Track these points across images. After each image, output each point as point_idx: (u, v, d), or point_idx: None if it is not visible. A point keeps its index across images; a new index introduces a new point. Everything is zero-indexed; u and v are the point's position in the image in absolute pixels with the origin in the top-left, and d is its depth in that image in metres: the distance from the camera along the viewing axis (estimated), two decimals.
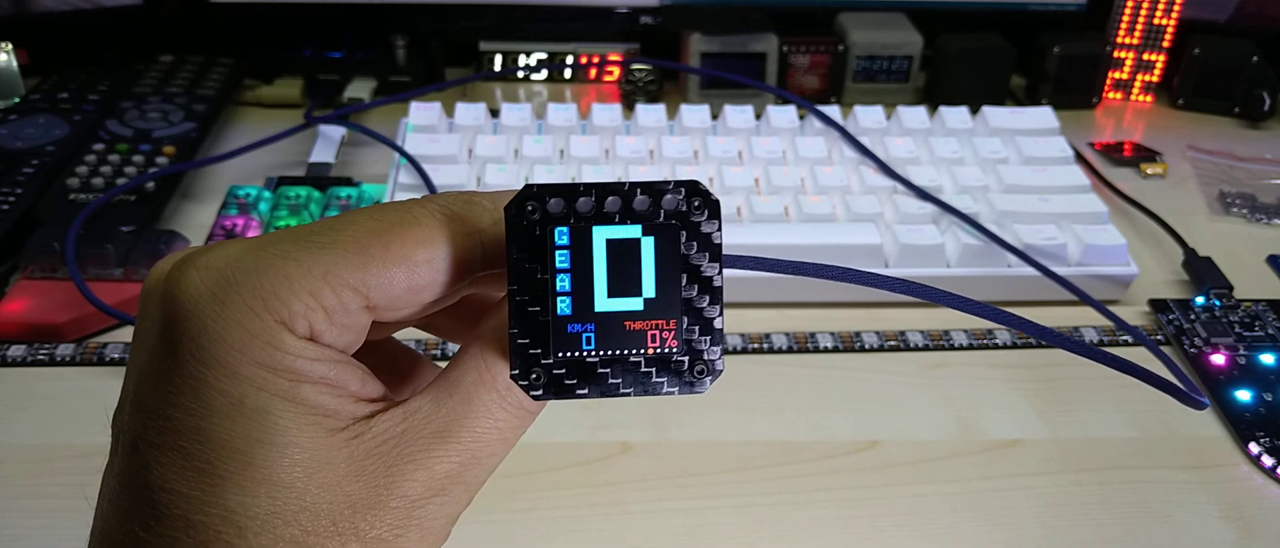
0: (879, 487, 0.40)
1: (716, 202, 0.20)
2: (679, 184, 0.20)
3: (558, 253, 0.20)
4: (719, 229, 0.20)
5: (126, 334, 0.46)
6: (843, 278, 0.22)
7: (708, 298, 0.20)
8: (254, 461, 0.19)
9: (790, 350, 0.47)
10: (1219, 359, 0.46)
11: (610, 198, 0.20)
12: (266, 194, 0.54)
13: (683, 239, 0.20)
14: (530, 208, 0.20)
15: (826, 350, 0.47)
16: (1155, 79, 0.72)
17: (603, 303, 0.20)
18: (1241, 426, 0.43)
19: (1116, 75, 0.72)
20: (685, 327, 0.20)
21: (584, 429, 0.42)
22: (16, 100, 0.61)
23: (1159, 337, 0.49)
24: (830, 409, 0.44)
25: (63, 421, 0.42)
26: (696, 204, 0.20)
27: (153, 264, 0.48)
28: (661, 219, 0.20)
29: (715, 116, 0.59)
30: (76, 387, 0.43)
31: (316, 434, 0.19)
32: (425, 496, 0.20)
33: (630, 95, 0.69)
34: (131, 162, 0.55)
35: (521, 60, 0.71)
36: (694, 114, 0.58)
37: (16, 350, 0.45)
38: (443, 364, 0.28)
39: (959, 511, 0.39)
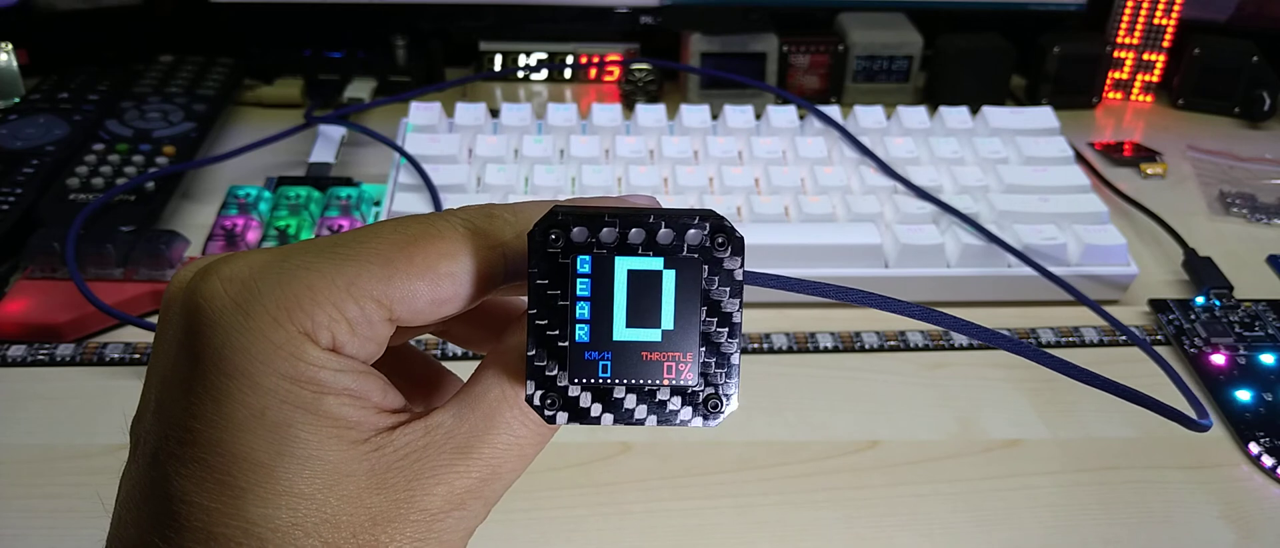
0: (879, 487, 0.40)
1: (740, 238, 0.20)
2: (703, 218, 0.20)
3: (579, 280, 0.20)
4: (741, 265, 0.20)
5: (127, 334, 0.46)
6: (865, 302, 0.22)
7: (726, 332, 0.20)
8: (275, 473, 0.19)
9: (790, 350, 0.47)
10: (1219, 359, 0.46)
11: (634, 229, 0.20)
12: (266, 194, 0.54)
13: (704, 273, 0.20)
14: (553, 236, 0.20)
15: (826, 350, 0.47)
16: (1155, 79, 0.72)
17: (621, 332, 0.20)
18: (1241, 426, 0.43)
19: (1116, 75, 0.72)
20: (702, 359, 0.20)
21: (585, 430, 0.42)
22: (16, 100, 0.61)
23: (1159, 337, 0.49)
24: (830, 409, 0.44)
25: (63, 421, 0.42)
26: (720, 240, 0.20)
27: (153, 264, 0.48)
28: (684, 252, 0.20)
29: (715, 116, 0.59)
30: (76, 387, 0.43)
31: (338, 447, 0.19)
32: (445, 510, 0.20)
33: (630, 95, 0.69)
34: (131, 162, 0.55)
35: (521, 60, 0.70)
36: (694, 114, 0.58)
37: (16, 350, 0.45)
38: (440, 356, 0.28)
39: (959, 511, 0.39)
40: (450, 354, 0.45)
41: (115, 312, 0.45)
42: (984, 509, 0.39)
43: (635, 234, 0.20)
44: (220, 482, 0.19)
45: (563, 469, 0.40)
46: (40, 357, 0.44)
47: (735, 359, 0.20)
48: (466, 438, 0.20)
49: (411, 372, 0.26)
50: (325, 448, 0.19)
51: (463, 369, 0.24)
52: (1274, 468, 0.41)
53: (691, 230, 0.20)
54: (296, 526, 0.19)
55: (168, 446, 0.19)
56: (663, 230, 0.20)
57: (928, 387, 0.45)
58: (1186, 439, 0.42)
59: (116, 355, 0.45)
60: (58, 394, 0.43)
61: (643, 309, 0.20)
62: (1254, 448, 0.42)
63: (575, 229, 0.20)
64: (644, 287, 0.20)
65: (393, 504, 0.20)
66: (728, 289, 0.20)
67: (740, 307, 0.20)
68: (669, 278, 0.20)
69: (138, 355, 0.45)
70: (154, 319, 0.47)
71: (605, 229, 0.20)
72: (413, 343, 0.27)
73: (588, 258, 0.20)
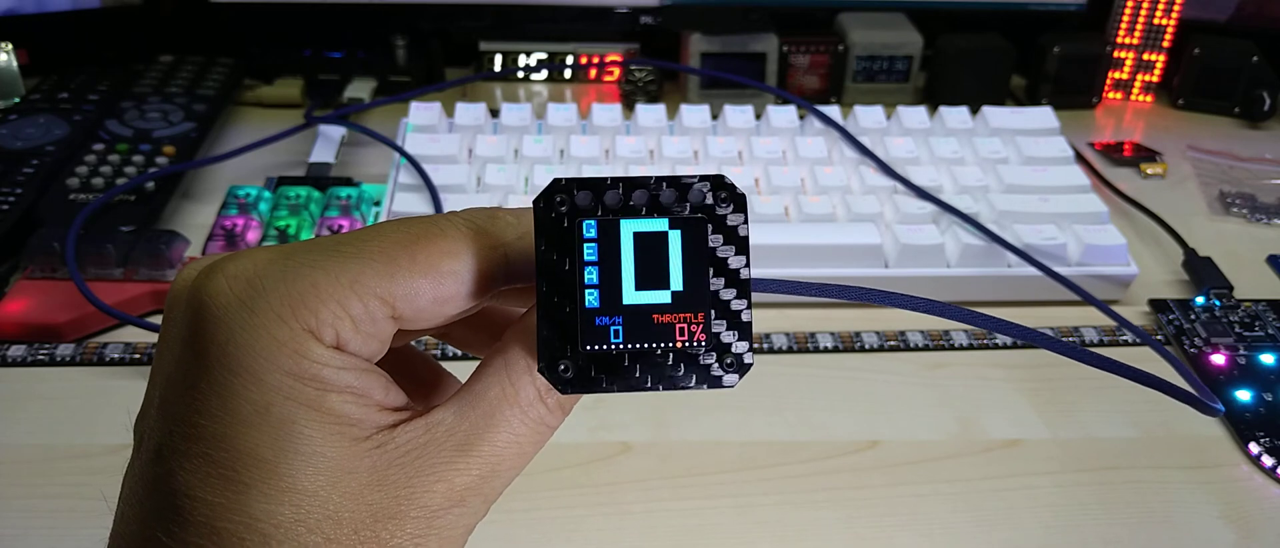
0: (879, 487, 0.40)
1: (742, 195, 0.20)
2: (705, 178, 0.20)
3: (586, 246, 0.20)
4: (745, 222, 0.20)
5: (127, 334, 0.46)
6: (868, 299, 0.22)
7: (735, 291, 0.20)
8: (279, 469, 0.19)
9: (790, 350, 0.47)
10: (1219, 359, 0.46)
11: (637, 191, 0.20)
12: (266, 194, 0.54)
13: (709, 232, 0.20)
14: (558, 200, 0.20)
15: (826, 350, 0.47)
16: (1155, 79, 0.72)
17: (631, 296, 0.20)
18: (1241, 426, 0.43)
19: (1116, 75, 0.72)
20: (713, 321, 0.20)
21: (584, 429, 0.42)
22: (16, 100, 0.61)
23: (1159, 337, 0.49)
24: (830, 409, 0.44)
25: (63, 420, 0.42)
26: (722, 197, 0.20)
27: (153, 264, 0.48)
28: (688, 212, 0.20)
29: (715, 116, 0.59)
30: (76, 387, 0.43)
31: (340, 443, 0.19)
32: (445, 506, 0.20)
33: (630, 95, 0.69)
34: (131, 162, 0.55)
35: (521, 60, 0.71)
36: (694, 114, 0.58)
37: (16, 350, 0.45)
38: (440, 357, 0.28)
39: (959, 511, 0.39)
40: (450, 356, 0.45)
41: (115, 312, 0.45)
42: (984, 509, 0.39)
43: (639, 196, 0.20)
44: (224, 477, 0.19)
45: (563, 469, 0.40)
46: (40, 357, 0.44)
47: (746, 317, 0.20)
48: (467, 435, 0.21)
49: (413, 372, 0.26)
50: (328, 445, 0.19)
51: (462, 371, 0.24)
52: (1274, 468, 0.41)
53: (693, 189, 0.20)
54: (299, 521, 0.19)
55: (172, 441, 0.19)
56: (665, 191, 0.20)
57: (928, 387, 0.45)
58: (1186, 439, 0.42)
59: (116, 355, 0.45)
60: (58, 394, 0.43)
61: (651, 271, 0.20)
62: (1254, 448, 0.42)
63: (579, 194, 0.20)
64: (651, 249, 0.20)
65: (394, 501, 0.20)
66: (733, 247, 0.20)
67: (747, 264, 0.20)
68: (674, 238, 0.20)
69: (138, 355, 0.45)
70: (154, 319, 0.47)
71: (609, 192, 0.20)
72: (413, 344, 0.27)
73: (593, 222, 0.20)
